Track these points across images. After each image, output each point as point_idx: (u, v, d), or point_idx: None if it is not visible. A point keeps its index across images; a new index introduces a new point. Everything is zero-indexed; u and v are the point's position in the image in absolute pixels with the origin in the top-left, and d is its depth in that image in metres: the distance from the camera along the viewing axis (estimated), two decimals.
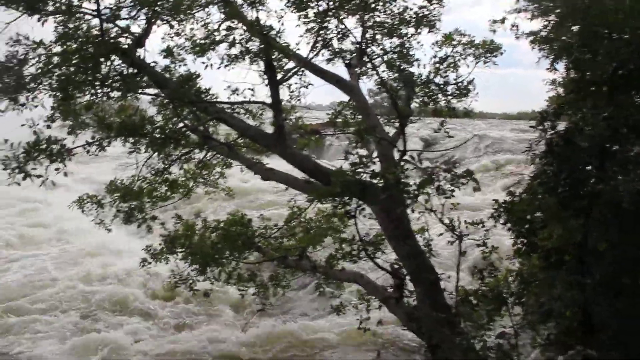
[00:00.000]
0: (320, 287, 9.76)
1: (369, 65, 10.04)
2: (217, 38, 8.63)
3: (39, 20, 7.68)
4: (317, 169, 7.54)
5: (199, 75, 7.48)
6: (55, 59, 7.60)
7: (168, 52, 9.06)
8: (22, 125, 6.71)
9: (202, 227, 9.93)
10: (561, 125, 6.94)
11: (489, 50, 9.23)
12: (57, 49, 7.70)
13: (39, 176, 6.22)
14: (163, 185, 10.35)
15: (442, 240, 7.47)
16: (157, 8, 7.93)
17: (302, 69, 9.06)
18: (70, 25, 7.89)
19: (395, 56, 8.47)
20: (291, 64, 9.04)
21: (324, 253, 8.94)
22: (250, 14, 7.75)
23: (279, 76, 8.10)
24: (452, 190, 6.37)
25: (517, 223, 7.30)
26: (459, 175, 6.31)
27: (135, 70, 7.76)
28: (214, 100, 7.76)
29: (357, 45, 8.88)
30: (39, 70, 7.58)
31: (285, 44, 8.40)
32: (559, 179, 6.54)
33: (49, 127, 7.07)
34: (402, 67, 7.60)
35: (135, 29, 8.28)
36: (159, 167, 10.10)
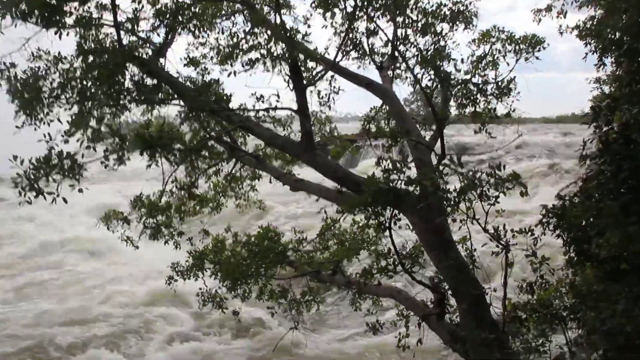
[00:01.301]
0: (355, 303, 9.21)
1: (402, 67, 9.57)
2: (243, 47, 8.29)
3: (56, 33, 7.45)
4: (348, 177, 7.02)
5: (218, 81, 7.06)
6: (77, 73, 7.39)
7: (191, 62, 8.76)
8: (39, 141, 6.38)
9: (232, 242, 9.55)
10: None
11: (530, 44, 8.61)
12: (78, 63, 7.50)
13: (50, 193, 5.86)
14: (190, 199, 10.02)
15: (486, 251, 6.90)
16: (178, 17, 7.63)
17: (331, 73, 8.59)
18: (90, 37, 7.72)
19: (430, 53, 7.91)
20: (319, 69, 8.61)
21: (359, 267, 8.37)
22: (276, 20, 7.34)
23: (306, 81, 7.62)
24: (497, 196, 5.79)
25: (570, 230, 6.65)
26: (505, 179, 5.71)
27: (155, 81, 7.43)
28: (236, 108, 7.29)
29: (389, 45, 8.37)
30: (58, 85, 7.37)
31: (312, 48, 7.99)
32: (618, 180, 5.88)
33: (66, 142, 6.73)
34: (438, 65, 7.03)
35: (157, 39, 8.07)
36: (186, 181, 9.79)
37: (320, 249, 9.34)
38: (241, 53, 8.27)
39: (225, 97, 6.81)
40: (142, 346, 11.99)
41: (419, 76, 7.03)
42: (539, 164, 24.44)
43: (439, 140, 7.11)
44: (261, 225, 9.22)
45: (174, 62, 8.52)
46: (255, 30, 8.18)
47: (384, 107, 9.22)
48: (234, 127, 7.69)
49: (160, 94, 7.36)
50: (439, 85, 7.73)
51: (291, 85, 7.17)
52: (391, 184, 5.39)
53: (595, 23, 8.58)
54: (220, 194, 10.59)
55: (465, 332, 6.47)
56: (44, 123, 7.33)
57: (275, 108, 7.37)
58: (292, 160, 9.45)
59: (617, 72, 8.40)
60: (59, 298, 15.15)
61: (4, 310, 14.35)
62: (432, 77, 7.18)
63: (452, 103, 8.47)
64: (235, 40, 8.43)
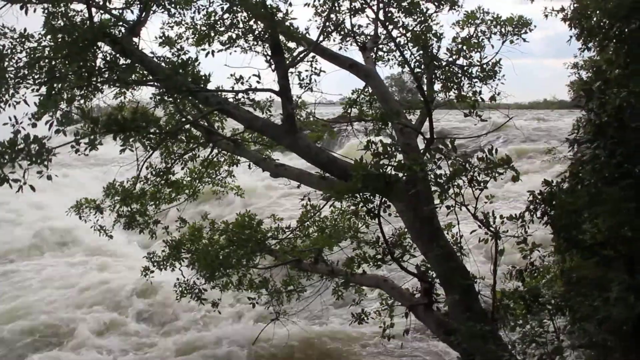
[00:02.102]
0: (338, 292, 8.97)
1: (384, 49, 9.30)
2: (220, 28, 7.92)
3: (21, 8, 7.02)
4: (332, 162, 6.73)
5: (196, 60, 6.68)
6: (45, 52, 6.97)
7: (167, 41, 8.38)
8: (4, 124, 5.97)
9: (209, 230, 9.24)
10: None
11: (517, 26, 8.40)
12: (46, 41, 7.09)
13: (16, 180, 5.45)
14: (167, 186, 9.67)
15: (473, 238, 6.70)
16: None
17: (312, 54, 8.28)
18: (58, 14, 7.31)
19: (417, 32, 7.64)
20: (300, 50, 8.29)
21: (342, 255, 8.13)
22: None
23: (287, 61, 7.29)
24: (486, 182, 5.57)
25: (560, 216, 6.47)
26: (496, 163, 5.49)
27: (128, 61, 7.03)
28: (214, 89, 6.92)
29: (373, 25, 8.08)
30: (24, 64, 6.95)
31: (293, 29, 7.66)
32: (612, 165, 5.69)
33: (34, 125, 6.31)
34: (427, 44, 6.76)
35: (131, 17, 7.66)
36: (161, 167, 9.43)
37: (301, 237, 9.06)
38: (217, 34, 7.91)
39: (202, 78, 6.43)
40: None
41: (407, 56, 6.73)
42: (523, 147, 24.47)
43: (427, 124, 6.86)
44: (239, 212, 8.91)
45: (149, 42, 8.13)
46: (234, 8, 7.82)
47: (366, 89, 8.96)
48: (212, 110, 7.32)
49: (133, 75, 6.97)
50: (424, 67, 7.49)
51: (272, 66, 6.83)
52: (381, 170, 5.12)
53: (581, 6, 8.38)
54: (197, 181, 10.26)
55: (454, 322, 6.26)
56: (10, 105, 6.95)
57: (256, 90, 7.03)
58: (272, 145, 9.13)
59: (598, 57, 8.24)
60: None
61: None
62: (419, 58, 6.92)
63: (436, 87, 8.26)
64: (212, 19, 8.05)
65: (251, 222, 8.66)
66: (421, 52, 6.90)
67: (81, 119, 6.06)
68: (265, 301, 9.37)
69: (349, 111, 9.22)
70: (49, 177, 5.82)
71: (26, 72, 6.94)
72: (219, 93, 7.06)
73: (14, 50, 7.17)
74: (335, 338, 10.39)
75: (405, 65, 7.23)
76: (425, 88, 7.37)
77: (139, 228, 9.54)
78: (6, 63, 6.97)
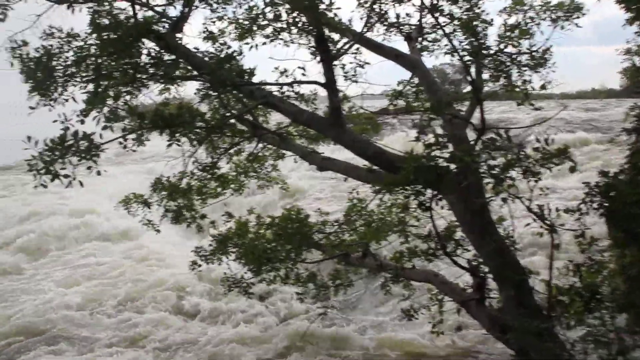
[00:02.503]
0: (386, 287, 8.81)
1: (429, 38, 9.08)
2: (263, 22, 7.86)
3: (68, 8, 7.11)
4: (380, 155, 6.58)
5: (240, 53, 6.62)
6: (91, 50, 7.06)
7: (210, 36, 8.36)
8: (54, 121, 6.04)
9: (255, 224, 9.21)
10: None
11: (568, 11, 8.07)
12: (92, 40, 7.18)
13: (67, 176, 5.53)
14: (212, 181, 9.69)
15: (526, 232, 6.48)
16: None
17: (357, 46, 8.14)
18: (103, 13, 7.38)
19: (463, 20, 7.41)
20: (344, 41, 8.16)
21: (390, 250, 7.98)
22: None
23: (332, 53, 7.16)
24: (539, 173, 5.36)
25: (617, 208, 6.18)
26: (552, 154, 5.26)
27: (172, 57, 7.05)
28: (259, 82, 6.85)
29: (417, 13, 7.88)
30: (71, 62, 7.05)
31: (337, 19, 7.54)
32: None
33: (82, 122, 6.39)
34: (477, 31, 6.54)
35: (174, 13, 7.68)
36: (207, 162, 9.45)
37: (349, 231, 8.94)
38: (261, 27, 7.85)
39: (247, 71, 6.38)
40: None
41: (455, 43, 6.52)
42: (576, 137, 23.70)
43: (477, 114, 6.65)
44: (286, 207, 8.85)
45: (192, 38, 8.14)
46: (276, 0, 7.75)
47: (412, 80, 8.76)
48: (257, 103, 7.27)
49: (178, 71, 6.98)
50: (472, 55, 7.25)
51: (317, 58, 6.72)
52: (433, 161, 4.96)
53: None
54: (243, 175, 10.25)
55: (508, 318, 6.06)
56: (59, 103, 7.06)
57: (301, 82, 6.93)
58: (317, 138, 9.03)
59: None
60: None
61: None
62: (467, 46, 6.69)
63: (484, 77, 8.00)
64: (254, 12, 8.00)
65: (298, 216, 8.59)
66: (469, 39, 6.68)
67: (127, 115, 6.07)
68: (313, 296, 9.32)
69: (394, 103, 9.03)
70: (98, 173, 5.89)
71: (74, 70, 7.04)
72: (264, 86, 6.99)
73: (61, 50, 7.27)
74: (385, 332, 10.25)
75: (452, 55, 7.00)
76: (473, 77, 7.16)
77: (186, 222, 9.60)
78: (55, 62, 7.09)
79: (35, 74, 6.98)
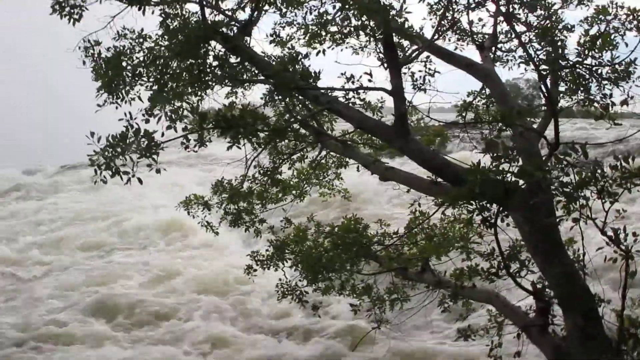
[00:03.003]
0: (444, 304, 8.49)
1: (503, 48, 8.75)
2: (332, 27, 7.76)
3: (139, 9, 7.24)
4: (445, 167, 6.31)
5: (306, 56, 6.52)
6: (160, 51, 7.17)
7: (277, 40, 8.33)
8: (120, 119, 6.13)
9: (314, 232, 9.10)
10: None
11: None
12: (162, 41, 7.30)
13: (126, 173, 5.55)
14: (274, 186, 9.66)
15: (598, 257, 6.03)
16: None
17: (426, 54, 7.90)
18: (173, 15, 7.49)
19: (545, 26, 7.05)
20: (414, 48, 7.95)
21: (450, 266, 7.66)
22: None
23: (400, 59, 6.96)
24: (615, 194, 4.95)
25: None
26: (633, 173, 4.85)
27: (239, 59, 7.05)
28: (324, 87, 6.71)
29: (491, 20, 7.57)
30: (140, 62, 7.17)
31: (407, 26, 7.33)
32: None
33: (147, 122, 6.44)
34: (556, 39, 6.19)
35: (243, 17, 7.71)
36: (269, 167, 9.43)
37: (408, 244, 8.68)
38: (330, 33, 7.75)
39: (312, 75, 6.25)
40: None
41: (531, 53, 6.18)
42: None
43: (549, 128, 6.28)
44: (345, 216, 8.69)
45: (260, 42, 8.12)
46: (346, 6, 7.63)
47: (483, 91, 8.45)
48: (322, 108, 7.14)
49: (244, 75, 6.96)
50: (548, 65, 6.87)
51: (384, 64, 6.54)
52: (500, 175, 4.67)
53: None
54: (304, 182, 10.18)
55: (573, 349, 5.66)
56: (125, 102, 7.18)
57: (367, 88, 6.75)
58: (381, 147, 8.83)
59: None
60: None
61: None
62: (544, 56, 6.33)
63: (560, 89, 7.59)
64: (324, 18, 7.91)
65: (357, 225, 8.41)
66: (546, 49, 6.33)
67: (190, 114, 6.07)
68: (367, 308, 9.11)
69: (463, 115, 8.71)
70: (158, 171, 5.89)
71: (142, 70, 7.15)
72: (329, 92, 6.85)
73: (132, 51, 7.41)
74: (439, 351, 9.89)
75: (527, 65, 6.65)
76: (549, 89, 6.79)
77: (245, 226, 9.59)
78: (124, 62, 7.22)
79: (105, 73, 7.15)
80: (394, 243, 8.59)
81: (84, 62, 7.54)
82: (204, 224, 9.61)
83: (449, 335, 10.20)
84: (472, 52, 8.53)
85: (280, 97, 7.44)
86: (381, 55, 6.60)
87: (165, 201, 20.69)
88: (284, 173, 9.58)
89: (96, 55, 7.49)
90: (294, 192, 10.11)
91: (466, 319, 8.20)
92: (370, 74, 6.42)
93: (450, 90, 8.15)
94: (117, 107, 7.11)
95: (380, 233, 8.66)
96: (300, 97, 7.43)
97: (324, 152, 9.41)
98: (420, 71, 7.97)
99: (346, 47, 7.38)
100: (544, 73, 5.72)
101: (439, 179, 6.55)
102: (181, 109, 6.46)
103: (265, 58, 7.37)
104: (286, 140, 9.09)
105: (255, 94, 8.57)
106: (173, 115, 6.13)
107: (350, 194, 11.22)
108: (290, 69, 6.08)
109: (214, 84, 7.20)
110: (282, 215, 9.82)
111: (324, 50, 7.28)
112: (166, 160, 6.18)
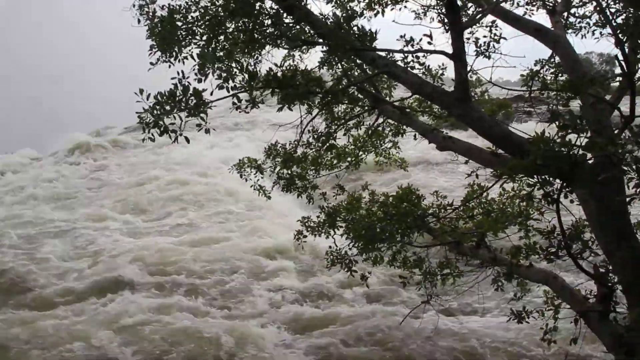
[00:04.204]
0: (498, 282, 8.15)
1: (576, 14, 8.18)
2: None
3: None
4: (507, 137, 5.93)
5: (361, 14, 6.21)
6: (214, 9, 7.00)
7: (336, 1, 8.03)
8: (172, 78, 6.03)
9: (367, 201, 8.87)
10: None
11: None
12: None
13: (174, 131, 5.46)
14: (328, 152, 9.45)
15: None
16: None
17: (492, 18, 7.45)
18: None
19: None
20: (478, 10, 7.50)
21: (506, 243, 7.29)
22: None
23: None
24: None
25: None
26: None
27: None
28: (382, 49, 6.38)
29: None
30: (193, 19, 7.03)
31: None
32: None
33: (199, 81, 6.32)
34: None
35: None
36: (323, 132, 9.19)
37: (464, 218, 8.34)
38: None
39: (369, 35, 5.94)
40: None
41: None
42: None
43: (625, 100, 5.78)
44: (401, 186, 8.41)
45: (317, 2, 7.85)
46: None
47: (552, 59, 7.91)
48: (379, 72, 6.83)
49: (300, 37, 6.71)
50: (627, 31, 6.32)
51: (446, 27, 6.16)
52: (567, 147, 4.29)
53: None
54: (360, 149, 9.92)
55: (637, 340, 5.27)
56: (178, 61, 7.08)
57: (427, 51, 6.38)
58: (441, 115, 8.46)
59: None
60: None
61: None
62: (622, 20, 5.80)
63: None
64: None
65: (411, 196, 8.12)
66: (626, 12, 5.79)
67: (240, 74, 5.88)
68: (417, 282, 8.87)
69: (529, 84, 8.21)
70: (207, 131, 5.78)
71: (195, 29, 7.01)
72: (387, 54, 6.53)
73: (188, 10, 7.27)
74: (486, 333, 9.58)
75: (602, 28, 6.13)
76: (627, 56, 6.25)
77: (297, 192, 9.46)
78: (178, 20, 7.10)
79: (159, 31, 7.06)
80: (449, 215, 8.26)
81: (138, 21, 7.48)
82: (256, 188, 9.51)
83: (501, 315, 9.81)
84: (542, 17, 8.00)
85: (336, 58, 7.14)
86: (443, 17, 6.22)
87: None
88: (339, 139, 9.34)
89: (151, 14, 7.42)
90: (349, 159, 9.88)
91: (520, 300, 7.81)
92: (431, 36, 6.06)
93: (516, 62, 7.67)
94: (169, 66, 7.01)
95: (436, 205, 8.33)
96: (357, 59, 7.12)
97: (380, 119, 9.09)
98: (484, 37, 7.56)
99: (405, 7, 7.00)
100: (622, 38, 5.22)
101: (500, 151, 6.19)
102: (232, 69, 6.27)
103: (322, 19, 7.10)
104: (342, 106, 8.86)
105: (313, 59, 8.34)
106: (223, 74, 5.94)
107: (407, 163, 10.87)
108: (346, 28, 5.78)
109: (267, 44, 7.01)
110: (335, 182, 9.63)
111: (382, 10, 6.94)
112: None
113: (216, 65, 6.21)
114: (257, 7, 6.27)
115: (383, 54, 6.44)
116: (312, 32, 6.98)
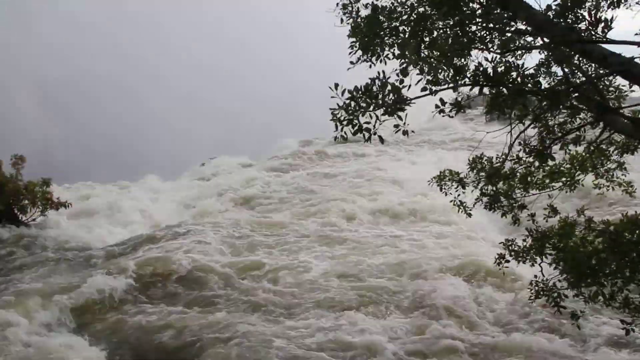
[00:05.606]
0: None
1: None
2: None
3: None
4: None
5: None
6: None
7: None
8: (371, 78, 5.65)
9: (583, 228, 7.69)
10: None
11: None
12: None
13: (368, 130, 5.02)
14: (540, 170, 8.43)
15: None
16: None
17: None
18: None
19: None
20: None
21: None
22: None
23: None
24: None
25: None
26: None
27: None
28: (621, 41, 5.24)
29: None
30: (402, 19, 6.63)
31: None
32: None
33: (401, 82, 5.85)
34: None
35: None
36: (536, 146, 8.16)
37: None
38: None
39: (604, 23, 4.90)
40: None
41: None
42: None
43: None
44: (626, 213, 7.11)
45: None
46: None
47: None
48: (611, 71, 5.70)
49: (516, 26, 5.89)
50: None
51: None
52: None
53: None
54: (577, 168, 8.67)
55: None
56: (380, 61, 6.73)
57: None
58: None
59: None
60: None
61: None
62: None
63: None
64: None
65: (637, 226, 6.80)
66: None
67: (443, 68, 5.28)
68: None
69: None
70: (405, 132, 5.27)
71: (400, 27, 6.63)
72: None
73: (392, 11, 6.94)
74: None
75: None
76: None
77: (502, 211, 8.55)
78: (382, 18, 6.76)
79: (361, 30, 6.80)
80: None
81: (341, 20, 7.33)
82: (456, 203, 8.80)
83: None
84: None
85: (558, 59, 6.16)
86: None
87: None
88: (554, 155, 8.24)
89: (354, 13, 7.21)
90: (563, 179, 8.71)
91: None
92: None
93: None
94: (370, 66, 6.69)
95: None
96: (582, 58, 6.09)
97: (606, 133, 7.80)
98: None
99: None
100: None
101: None
102: (436, 64, 5.69)
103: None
104: (559, 117, 7.80)
105: (529, 63, 7.47)
106: (429, 72, 5.39)
107: (635, 188, 9.29)
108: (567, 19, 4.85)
109: (474, 47, 6.32)
110: (545, 203, 8.54)
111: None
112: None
113: (419, 61, 5.68)
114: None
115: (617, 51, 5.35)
116: (528, 28, 6.13)
